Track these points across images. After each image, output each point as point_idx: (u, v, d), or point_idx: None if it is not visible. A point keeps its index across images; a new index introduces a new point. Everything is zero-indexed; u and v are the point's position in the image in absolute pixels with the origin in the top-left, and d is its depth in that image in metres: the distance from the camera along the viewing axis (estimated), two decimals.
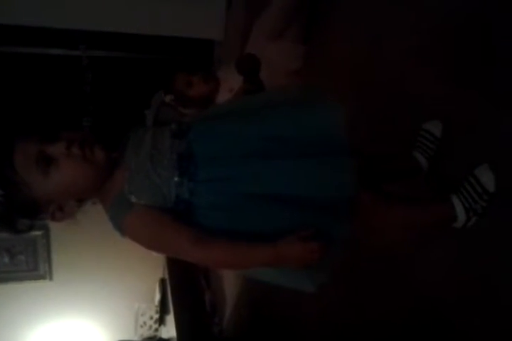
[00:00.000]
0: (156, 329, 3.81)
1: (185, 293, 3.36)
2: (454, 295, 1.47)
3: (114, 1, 3.28)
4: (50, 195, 1.02)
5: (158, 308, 3.72)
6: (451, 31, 1.54)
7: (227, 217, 1.05)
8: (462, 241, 1.44)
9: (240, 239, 1.02)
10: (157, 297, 3.77)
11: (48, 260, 3.65)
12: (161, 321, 3.77)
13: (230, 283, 3.41)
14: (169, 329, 3.43)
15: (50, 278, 3.73)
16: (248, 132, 1.09)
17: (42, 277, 3.71)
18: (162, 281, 3.73)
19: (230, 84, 2.34)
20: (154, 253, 1.17)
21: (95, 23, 3.30)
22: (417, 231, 1.47)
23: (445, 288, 1.50)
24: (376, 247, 1.65)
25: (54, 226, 3.27)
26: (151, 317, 3.81)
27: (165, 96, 2.42)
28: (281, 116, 1.13)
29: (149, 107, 3.02)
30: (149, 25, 3.38)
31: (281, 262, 1.01)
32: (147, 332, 3.84)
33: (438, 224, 1.43)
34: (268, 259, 1.01)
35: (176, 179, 1.02)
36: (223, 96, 2.34)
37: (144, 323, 3.83)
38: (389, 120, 1.75)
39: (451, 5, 1.55)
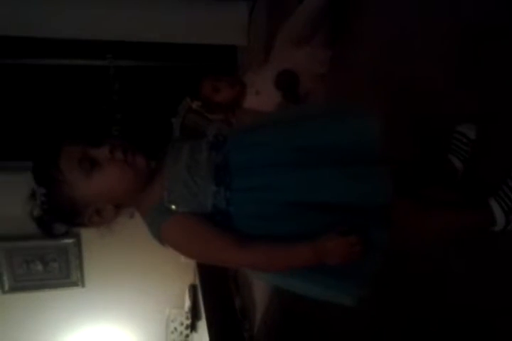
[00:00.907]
0: (187, 335, 3.83)
1: (216, 299, 3.37)
2: (491, 303, 1.44)
3: (138, 11, 3.32)
4: (89, 196, 1.04)
5: (189, 314, 3.74)
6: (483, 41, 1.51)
7: (263, 225, 1.06)
8: (501, 245, 1.41)
9: (278, 241, 1.02)
10: (187, 303, 3.78)
11: (80, 267, 3.71)
12: (192, 327, 3.79)
13: (259, 289, 3.41)
14: (200, 335, 3.44)
15: (83, 285, 3.78)
16: (282, 142, 1.10)
17: (74, 284, 3.76)
18: (193, 287, 3.75)
19: (256, 87, 2.36)
20: (189, 261, 1.18)
21: (121, 34, 3.36)
22: (455, 236, 1.44)
23: (482, 295, 1.47)
24: (411, 252, 1.62)
25: (85, 234, 3.33)
26: (182, 323, 3.83)
27: (192, 102, 2.44)
28: (314, 125, 1.14)
29: (176, 115, 3.07)
30: (173, 33, 3.42)
31: (322, 258, 1.00)
32: (178, 338, 3.86)
33: (477, 229, 1.40)
34: (310, 256, 1.00)
35: (213, 188, 1.04)
36: (250, 99, 2.35)
37: (175, 329, 3.85)
38: (421, 123, 1.73)
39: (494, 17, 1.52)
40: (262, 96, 2.31)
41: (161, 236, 1.05)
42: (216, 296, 3.38)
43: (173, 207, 1.04)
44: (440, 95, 1.65)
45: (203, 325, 3.22)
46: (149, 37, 3.41)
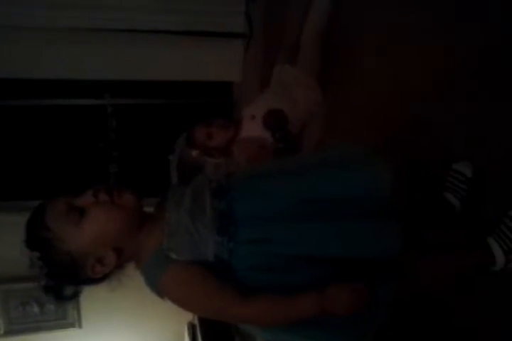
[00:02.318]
0: None
1: (216, 338, 3.29)
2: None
3: (134, 50, 3.38)
4: (84, 246, 1.00)
5: None
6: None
7: (265, 277, 1.02)
8: (502, 284, 1.38)
9: (281, 293, 0.99)
10: None
11: (77, 308, 3.63)
12: None
13: None
14: None
15: (80, 326, 3.69)
16: (289, 193, 1.08)
17: (71, 325, 3.67)
18: (192, 326, 3.67)
19: (251, 112, 2.34)
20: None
21: (118, 72, 3.40)
22: (459, 277, 1.42)
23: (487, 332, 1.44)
24: (416, 294, 1.60)
25: None
26: None
27: (190, 151, 2.44)
28: (322, 177, 1.12)
29: (173, 152, 3.07)
30: (169, 71, 3.46)
31: (328, 308, 0.96)
32: None
33: (477, 269, 1.38)
34: (315, 306, 0.96)
35: (216, 237, 1.00)
36: (247, 126, 2.31)
37: None
38: (417, 162, 1.73)
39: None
40: (257, 119, 2.27)
41: (159, 287, 1.01)
42: (215, 335, 3.31)
43: (174, 255, 0.99)
44: (437, 134, 1.66)
45: None
46: (146, 75, 3.45)
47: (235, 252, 1.00)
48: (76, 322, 3.67)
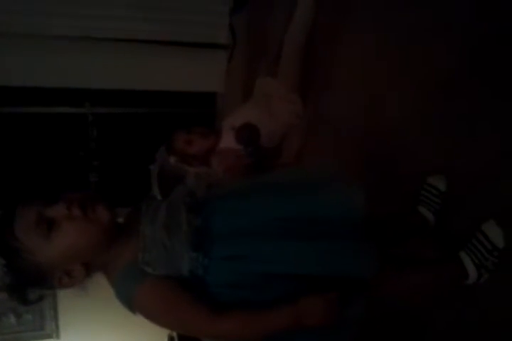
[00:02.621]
0: None
1: None
2: None
3: (116, 59, 3.37)
4: (53, 259, 0.98)
5: None
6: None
7: (239, 294, 1.02)
8: (474, 297, 1.40)
9: (254, 309, 0.99)
10: None
11: (55, 318, 3.58)
12: None
13: None
14: None
15: (57, 337, 3.63)
16: (265, 212, 1.08)
17: (49, 336, 3.61)
18: (171, 339, 3.63)
19: (231, 123, 2.35)
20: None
21: (99, 81, 3.39)
22: (430, 292, 1.43)
23: None
24: (389, 311, 1.60)
25: None
26: None
27: (169, 157, 2.44)
28: (298, 197, 1.12)
29: (154, 162, 3.06)
30: (152, 80, 3.45)
31: (301, 320, 0.97)
32: None
33: (450, 283, 1.40)
34: (288, 318, 0.97)
35: (191, 254, 0.99)
36: (227, 137, 2.30)
37: None
38: (391, 177, 1.75)
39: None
40: None
41: (133, 301, 0.98)
42: None
43: (149, 269, 0.98)
44: (412, 148, 1.67)
45: None
46: (128, 84, 3.44)
47: (209, 268, 0.99)
48: (54, 333, 3.62)
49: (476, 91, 1.44)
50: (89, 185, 3.42)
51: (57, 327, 3.61)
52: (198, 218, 1.05)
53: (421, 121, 1.67)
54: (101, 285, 1.15)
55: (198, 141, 2.32)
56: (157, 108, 3.64)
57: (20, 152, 3.41)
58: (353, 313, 1.04)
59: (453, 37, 1.53)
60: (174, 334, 3.48)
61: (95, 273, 1.06)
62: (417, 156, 1.65)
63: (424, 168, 1.60)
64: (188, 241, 1.00)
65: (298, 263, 1.02)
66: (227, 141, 2.31)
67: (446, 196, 1.50)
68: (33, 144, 3.44)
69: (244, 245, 1.03)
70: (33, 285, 1.02)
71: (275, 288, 1.02)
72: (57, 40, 3.22)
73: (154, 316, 1.02)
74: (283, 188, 1.16)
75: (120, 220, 1.10)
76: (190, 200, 1.10)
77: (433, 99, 1.61)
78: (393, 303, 1.57)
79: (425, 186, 1.54)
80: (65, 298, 3.51)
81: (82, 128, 3.48)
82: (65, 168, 3.43)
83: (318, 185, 1.16)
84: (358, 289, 1.06)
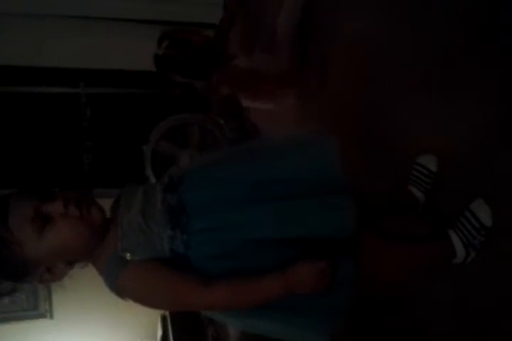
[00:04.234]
0: None
1: (188, 330, 3.30)
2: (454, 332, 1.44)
3: (110, 39, 3.34)
4: (41, 255, 0.98)
5: None
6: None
7: (225, 264, 1.02)
8: (462, 277, 1.41)
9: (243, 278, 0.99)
10: (159, 333, 3.70)
11: (49, 298, 3.61)
12: None
13: None
14: None
15: (51, 317, 3.67)
16: (237, 177, 1.08)
17: (42, 316, 3.65)
18: (164, 318, 3.67)
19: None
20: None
21: (93, 61, 3.37)
22: (418, 269, 1.44)
23: (447, 326, 1.47)
24: (377, 287, 1.61)
25: None
26: None
27: (159, 46, 2.18)
28: (270, 158, 1.12)
29: (147, 142, 3.05)
30: (145, 60, 3.43)
31: (293, 288, 0.97)
32: None
33: (438, 261, 1.41)
34: (279, 287, 0.97)
35: (168, 232, 0.99)
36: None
37: None
38: (383, 155, 1.75)
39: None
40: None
41: (117, 289, 1.00)
42: (187, 326, 3.31)
43: (128, 255, 0.98)
44: (404, 125, 1.67)
45: None
46: (121, 64, 3.42)
47: (189, 243, 0.99)
48: (47, 313, 3.66)
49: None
50: (82, 166, 3.41)
51: (50, 307, 3.64)
52: (173, 196, 1.05)
53: (417, 95, 1.66)
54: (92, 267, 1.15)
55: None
56: (151, 89, 3.61)
57: (12, 132, 3.39)
58: (345, 275, 1.03)
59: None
60: (167, 313, 3.51)
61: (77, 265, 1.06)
62: (407, 134, 1.65)
63: (413, 146, 1.60)
64: (165, 220, 1.00)
65: (276, 226, 1.02)
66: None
67: (436, 176, 1.50)
68: (26, 124, 3.41)
69: (220, 214, 1.03)
70: (13, 278, 1.02)
71: (260, 255, 1.02)
72: (52, 19, 3.19)
73: (142, 298, 1.02)
74: (255, 154, 1.16)
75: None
76: (167, 180, 1.10)
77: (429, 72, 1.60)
78: (380, 283, 1.59)
79: (415, 166, 1.54)
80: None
81: (76, 109, 3.46)
82: (59, 148, 3.42)
83: (290, 147, 1.16)
84: (346, 251, 1.06)
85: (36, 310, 3.64)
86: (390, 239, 1.32)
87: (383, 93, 1.81)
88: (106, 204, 1.11)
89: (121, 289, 0.99)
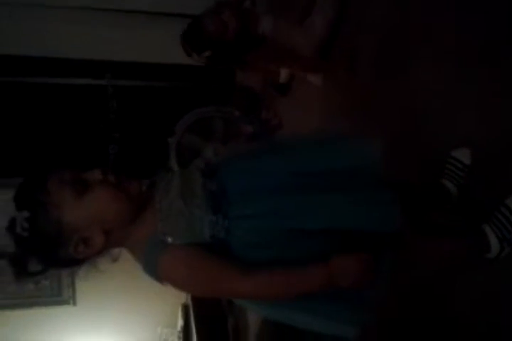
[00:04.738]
0: None
1: (209, 320, 3.34)
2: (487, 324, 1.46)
3: (137, 31, 3.37)
4: (78, 220, 0.97)
5: (181, 334, 3.71)
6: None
7: (266, 253, 1.01)
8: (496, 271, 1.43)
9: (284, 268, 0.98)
10: (180, 322, 3.75)
11: (72, 285, 3.67)
12: None
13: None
14: None
15: (74, 303, 3.74)
16: (279, 167, 1.09)
17: (66, 302, 3.72)
18: (185, 307, 3.72)
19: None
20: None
21: (120, 53, 3.41)
22: (453, 262, 1.46)
23: (482, 318, 1.49)
24: (413, 278, 1.63)
25: None
26: None
27: (199, 56, 2.06)
28: (310, 151, 1.13)
29: (173, 135, 3.09)
30: (171, 53, 3.45)
31: (336, 280, 0.95)
32: None
33: (472, 255, 1.42)
34: (323, 278, 0.95)
35: (210, 217, 0.99)
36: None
37: None
38: (417, 147, 1.76)
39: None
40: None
41: (157, 272, 0.98)
42: (208, 316, 3.36)
43: (169, 239, 0.98)
44: (439, 117, 1.68)
45: None
46: (148, 57, 3.45)
47: (231, 230, 1.00)
48: (70, 300, 3.72)
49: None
50: (108, 157, 3.46)
51: (73, 293, 3.71)
52: (213, 182, 1.05)
53: (448, 91, 1.67)
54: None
55: (231, 20, 1.93)
56: (176, 81, 3.64)
57: (40, 124, 3.44)
58: (383, 271, 1.04)
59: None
60: (189, 302, 3.56)
61: (112, 250, 1.05)
62: (441, 127, 1.66)
63: (447, 139, 1.61)
64: (206, 206, 1.00)
65: (318, 216, 1.02)
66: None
67: (470, 169, 1.52)
68: (54, 116, 3.47)
69: (261, 202, 1.03)
70: (45, 250, 0.98)
71: (301, 245, 1.02)
72: (82, 10, 3.23)
73: (181, 282, 1.01)
74: (294, 145, 1.17)
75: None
76: (204, 166, 1.11)
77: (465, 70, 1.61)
78: (416, 274, 1.60)
79: (449, 159, 1.55)
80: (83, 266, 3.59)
81: (102, 100, 3.51)
82: (85, 139, 3.47)
83: (331, 140, 1.17)
84: (387, 246, 1.06)
85: (60, 296, 3.70)
86: (427, 232, 1.34)
87: (417, 83, 1.82)
88: None
89: (160, 273, 0.98)
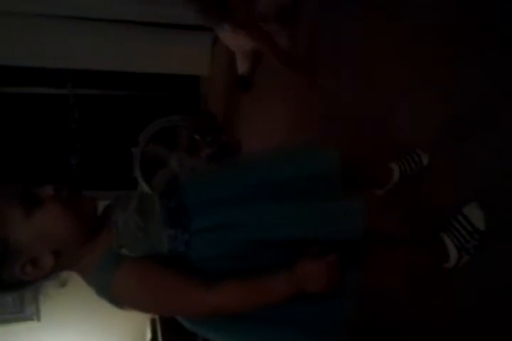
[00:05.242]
0: None
1: (176, 334, 3.27)
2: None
3: (99, 40, 3.32)
4: (26, 238, 0.90)
5: None
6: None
7: (227, 266, 0.98)
8: (456, 279, 1.42)
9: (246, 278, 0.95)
10: (148, 336, 3.68)
11: (36, 301, 3.56)
12: None
13: None
14: None
15: (38, 319, 3.62)
16: (235, 178, 1.09)
17: (29, 318, 3.60)
18: (152, 321, 3.64)
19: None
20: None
21: (82, 62, 3.34)
22: (412, 271, 1.44)
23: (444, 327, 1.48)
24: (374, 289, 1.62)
25: None
26: None
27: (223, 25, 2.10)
28: (269, 163, 1.13)
29: (137, 144, 3.04)
30: (135, 62, 3.41)
31: (301, 285, 0.92)
32: None
33: (431, 265, 1.41)
34: (287, 286, 0.93)
35: (168, 231, 0.96)
36: None
37: None
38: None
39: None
40: None
41: (112, 291, 0.92)
42: (176, 330, 3.29)
43: (126, 251, 0.93)
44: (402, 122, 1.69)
45: None
46: (110, 66, 3.40)
47: (191, 243, 0.96)
48: (35, 315, 3.61)
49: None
50: (70, 167, 3.38)
51: (37, 309, 3.60)
52: (172, 200, 1.03)
53: (412, 98, 1.69)
54: None
55: None
56: (140, 91, 3.60)
57: None
58: (351, 281, 1.02)
59: None
60: (156, 316, 3.48)
61: (57, 273, 0.98)
62: (402, 134, 1.68)
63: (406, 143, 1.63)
64: (164, 220, 0.97)
65: (277, 226, 1.00)
66: None
67: (422, 169, 1.53)
68: (14, 125, 3.38)
69: (222, 213, 1.01)
70: None
71: (264, 256, 0.99)
72: (41, 18, 3.16)
73: (139, 301, 0.96)
74: (254, 159, 1.18)
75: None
76: (163, 188, 1.09)
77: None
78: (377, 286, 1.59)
79: (412, 154, 1.56)
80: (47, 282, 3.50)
81: (64, 110, 3.44)
82: (46, 149, 3.39)
83: (291, 151, 1.18)
84: (351, 257, 1.03)
85: (23, 312, 3.59)
86: (387, 240, 1.33)
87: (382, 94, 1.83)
88: None
89: (115, 290, 0.93)
